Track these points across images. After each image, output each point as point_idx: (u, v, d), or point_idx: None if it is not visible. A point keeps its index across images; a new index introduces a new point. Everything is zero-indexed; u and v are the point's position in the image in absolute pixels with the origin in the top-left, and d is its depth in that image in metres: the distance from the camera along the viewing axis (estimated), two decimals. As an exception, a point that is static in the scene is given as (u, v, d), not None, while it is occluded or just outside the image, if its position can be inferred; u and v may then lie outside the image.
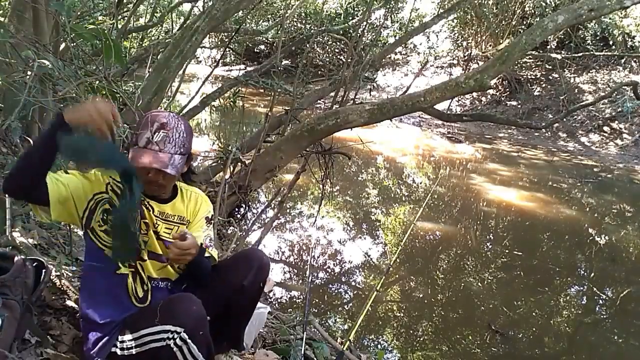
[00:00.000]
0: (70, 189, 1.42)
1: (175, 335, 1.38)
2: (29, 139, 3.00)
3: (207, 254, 1.62)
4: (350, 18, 14.06)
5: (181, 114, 4.48)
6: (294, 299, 3.60)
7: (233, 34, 7.42)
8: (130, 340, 1.46)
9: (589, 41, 11.65)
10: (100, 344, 1.51)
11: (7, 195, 1.92)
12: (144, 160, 1.43)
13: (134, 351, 1.45)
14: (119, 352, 1.48)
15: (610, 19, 10.61)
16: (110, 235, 1.46)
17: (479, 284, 4.05)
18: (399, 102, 3.65)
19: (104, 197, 1.49)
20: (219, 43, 14.37)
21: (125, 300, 1.55)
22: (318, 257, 4.41)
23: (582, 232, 5.47)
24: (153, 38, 11.16)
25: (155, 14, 10.10)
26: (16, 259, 1.55)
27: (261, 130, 4.33)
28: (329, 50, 12.80)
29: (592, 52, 11.39)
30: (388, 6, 11.26)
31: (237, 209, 4.14)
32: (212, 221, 1.74)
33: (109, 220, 1.46)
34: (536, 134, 10.35)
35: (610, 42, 11.42)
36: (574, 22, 3.69)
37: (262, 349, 2.16)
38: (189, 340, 1.39)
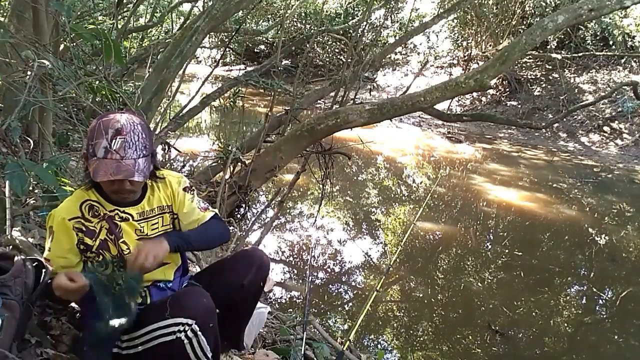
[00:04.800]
0: (66, 250, 1.49)
1: (187, 328, 1.37)
2: (29, 139, 3.01)
3: (210, 214, 1.66)
4: (350, 18, 14.06)
5: (181, 114, 4.48)
6: (294, 299, 3.60)
7: (233, 34, 7.42)
8: (136, 337, 1.44)
9: (589, 41, 11.64)
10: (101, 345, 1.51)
11: (7, 197, 1.93)
12: (107, 172, 1.34)
13: (140, 348, 1.44)
14: (122, 352, 1.48)
15: (610, 19, 10.60)
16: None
17: (479, 284, 4.05)
18: (399, 102, 3.65)
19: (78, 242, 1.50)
20: (219, 43, 14.37)
21: None
22: (318, 257, 4.41)
23: (582, 232, 5.47)
24: (153, 38, 11.15)
25: (155, 14, 10.10)
26: (16, 259, 1.54)
27: (261, 130, 4.33)
28: (329, 50, 12.77)
29: (592, 52, 11.37)
30: (388, 6, 11.25)
31: (237, 209, 4.14)
32: (192, 188, 1.69)
33: (89, 256, 1.51)
34: (536, 134, 10.35)
35: (610, 42, 11.40)
36: (574, 22, 3.70)
37: (262, 349, 2.16)
38: (199, 333, 1.38)
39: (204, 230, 1.62)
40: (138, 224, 1.54)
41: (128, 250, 1.50)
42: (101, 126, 1.38)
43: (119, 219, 1.51)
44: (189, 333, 1.38)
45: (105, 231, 1.49)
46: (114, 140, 1.35)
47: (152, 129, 3.56)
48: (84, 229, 1.48)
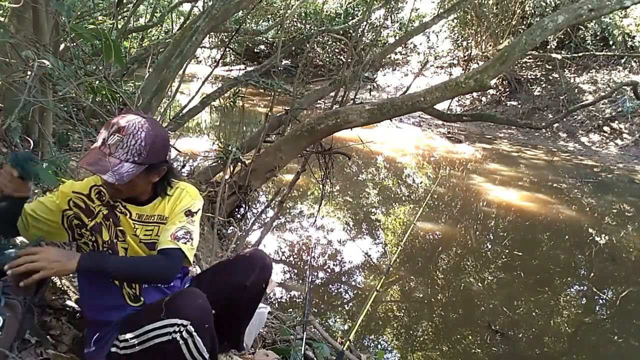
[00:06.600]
0: (38, 213, 1.49)
1: (182, 328, 1.38)
2: (29, 139, 3.00)
3: (174, 246, 1.45)
4: (350, 18, 14.06)
5: (181, 114, 4.48)
6: (294, 299, 3.60)
7: (233, 34, 7.42)
8: (133, 337, 1.45)
9: (589, 41, 11.65)
10: (100, 343, 1.51)
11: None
12: (87, 162, 1.36)
13: (137, 348, 1.45)
14: (119, 351, 1.48)
15: (610, 19, 10.60)
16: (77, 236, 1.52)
17: (479, 284, 4.05)
18: (399, 102, 3.65)
19: (69, 214, 1.52)
20: (219, 43, 14.37)
21: (121, 300, 1.55)
22: (318, 257, 4.41)
23: (582, 232, 5.47)
24: (153, 38, 11.15)
25: (155, 14, 10.10)
26: (17, 259, 1.54)
27: (261, 130, 4.33)
28: (329, 50, 12.77)
29: (592, 52, 11.38)
30: (388, 6, 11.25)
31: (237, 209, 4.14)
32: (193, 215, 1.56)
33: (83, 233, 1.53)
34: (536, 134, 10.35)
35: (610, 42, 11.41)
36: (574, 22, 3.70)
37: (262, 349, 2.16)
38: (194, 333, 1.39)
39: (138, 263, 1.49)
40: (134, 223, 1.53)
41: (123, 238, 1.52)
42: (112, 120, 1.43)
43: (119, 212, 1.53)
44: (184, 334, 1.38)
45: (102, 215, 1.52)
46: (111, 136, 1.38)
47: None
48: (83, 206, 1.52)
